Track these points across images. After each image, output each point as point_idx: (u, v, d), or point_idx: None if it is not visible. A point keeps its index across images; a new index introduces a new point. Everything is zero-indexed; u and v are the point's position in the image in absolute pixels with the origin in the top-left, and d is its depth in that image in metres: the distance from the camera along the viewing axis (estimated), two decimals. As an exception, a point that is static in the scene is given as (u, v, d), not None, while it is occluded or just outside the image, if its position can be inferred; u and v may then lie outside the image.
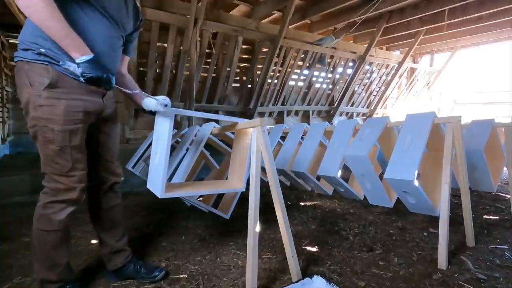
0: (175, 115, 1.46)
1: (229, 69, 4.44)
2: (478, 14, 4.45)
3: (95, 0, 1.19)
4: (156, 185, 1.42)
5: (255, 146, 1.42)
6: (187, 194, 1.62)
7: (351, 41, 6.06)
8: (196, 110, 4.26)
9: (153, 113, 1.51)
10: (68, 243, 1.34)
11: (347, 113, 6.65)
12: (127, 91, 1.39)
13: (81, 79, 1.12)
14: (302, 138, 2.84)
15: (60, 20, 1.07)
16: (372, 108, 6.92)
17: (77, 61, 1.10)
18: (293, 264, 1.47)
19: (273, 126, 3.27)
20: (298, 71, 5.26)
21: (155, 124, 1.54)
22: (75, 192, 1.25)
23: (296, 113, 5.82)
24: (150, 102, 1.37)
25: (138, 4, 1.49)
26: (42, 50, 1.13)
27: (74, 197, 1.25)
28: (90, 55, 1.12)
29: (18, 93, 1.21)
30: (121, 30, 1.34)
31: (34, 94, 1.15)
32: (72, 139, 1.21)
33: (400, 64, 6.26)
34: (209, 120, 4.33)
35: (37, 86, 1.14)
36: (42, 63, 1.14)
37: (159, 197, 1.41)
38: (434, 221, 2.22)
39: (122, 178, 1.54)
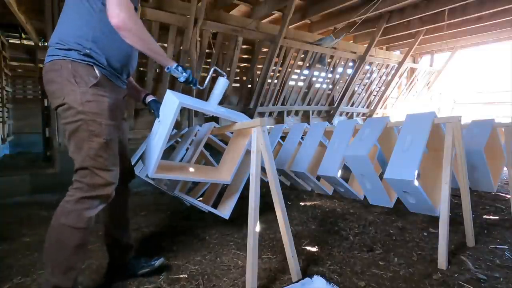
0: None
1: (229, 69, 4.43)
2: (478, 14, 4.44)
3: None
4: (149, 164, 1.47)
5: (255, 146, 1.42)
6: (176, 177, 1.72)
7: (351, 41, 6.05)
8: (196, 110, 4.25)
9: (152, 111, 1.61)
10: (86, 247, 1.29)
11: (347, 113, 6.64)
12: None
13: (181, 79, 1.43)
14: (302, 138, 2.84)
15: (154, 40, 1.30)
16: (372, 108, 6.91)
17: (174, 67, 1.40)
18: (293, 264, 1.47)
19: (273, 126, 3.27)
20: (298, 71, 5.25)
21: (161, 106, 1.61)
22: (110, 188, 1.27)
23: (296, 113, 5.81)
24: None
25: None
26: (87, 51, 1.21)
27: (109, 193, 1.27)
28: (175, 62, 1.41)
29: (53, 89, 1.23)
30: None
31: (80, 91, 1.20)
32: (115, 133, 1.29)
33: (400, 64, 6.25)
34: (209, 120, 4.33)
35: (83, 84, 1.20)
36: (88, 63, 1.22)
37: (150, 176, 1.48)
38: (434, 221, 2.22)
39: (136, 175, 1.60)
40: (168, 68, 1.39)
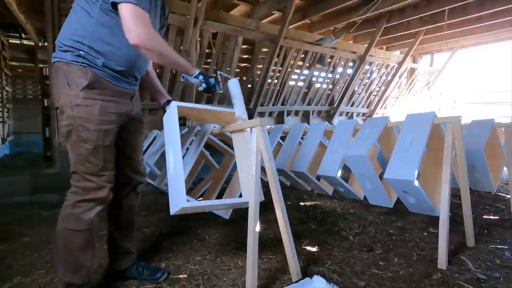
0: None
1: (229, 69, 4.43)
2: (478, 14, 4.44)
3: None
4: (176, 197, 1.38)
5: (255, 146, 1.42)
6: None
7: (351, 41, 6.05)
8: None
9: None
10: (94, 245, 1.33)
11: (347, 113, 6.64)
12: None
13: (200, 88, 1.41)
14: (302, 138, 2.84)
15: (175, 52, 1.30)
16: (372, 108, 6.91)
17: (195, 75, 1.38)
18: (293, 264, 1.47)
19: (273, 126, 3.27)
20: (298, 71, 5.25)
21: (164, 129, 1.51)
22: (104, 191, 1.27)
23: (296, 113, 5.81)
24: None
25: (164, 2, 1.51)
26: (82, 52, 1.19)
27: (103, 196, 1.27)
28: (198, 69, 1.39)
29: (53, 92, 1.26)
30: None
31: (71, 94, 1.19)
32: (105, 139, 1.25)
33: (400, 64, 6.25)
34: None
35: (74, 86, 1.19)
36: (81, 65, 1.19)
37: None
38: (434, 221, 2.22)
39: (146, 178, 1.58)
40: (184, 77, 1.37)
